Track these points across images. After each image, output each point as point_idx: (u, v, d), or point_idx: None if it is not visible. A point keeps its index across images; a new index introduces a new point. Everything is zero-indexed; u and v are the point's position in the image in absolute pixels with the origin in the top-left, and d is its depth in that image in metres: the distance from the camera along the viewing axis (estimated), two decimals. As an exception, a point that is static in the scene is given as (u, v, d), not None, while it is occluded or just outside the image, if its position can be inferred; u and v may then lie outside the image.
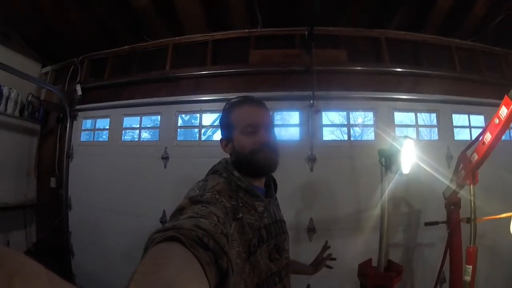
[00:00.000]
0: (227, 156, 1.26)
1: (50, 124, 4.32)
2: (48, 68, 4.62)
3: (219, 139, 1.27)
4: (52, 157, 4.16)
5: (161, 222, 3.35)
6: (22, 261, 0.28)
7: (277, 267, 1.13)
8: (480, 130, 3.33)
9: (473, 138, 3.00)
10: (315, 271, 1.77)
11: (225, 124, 1.23)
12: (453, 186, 2.28)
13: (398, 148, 2.09)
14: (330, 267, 1.82)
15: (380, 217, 2.34)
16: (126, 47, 4.10)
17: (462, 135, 3.57)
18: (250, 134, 1.14)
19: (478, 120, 3.62)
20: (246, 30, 3.68)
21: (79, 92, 4.03)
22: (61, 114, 4.20)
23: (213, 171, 1.19)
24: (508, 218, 1.97)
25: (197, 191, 1.00)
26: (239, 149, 1.16)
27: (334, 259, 1.81)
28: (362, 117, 3.94)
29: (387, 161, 2.24)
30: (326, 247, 1.82)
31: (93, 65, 4.32)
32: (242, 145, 1.15)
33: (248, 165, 1.14)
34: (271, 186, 1.30)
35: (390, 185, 2.25)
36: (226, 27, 3.72)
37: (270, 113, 1.24)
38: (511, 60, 3.89)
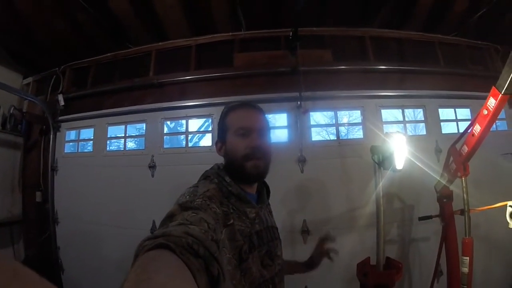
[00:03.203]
0: (215, 161, 1.25)
1: (33, 136, 4.20)
2: (29, 79, 4.50)
3: (215, 142, 1.27)
4: (37, 170, 4.04)
5: (151, 232, 3.23)
6: (17, 268, 0.29)
7: (270, 274, 1.12)
8: (466, 123, 3.40)
9: (461, 131, 3.03)
10: (313, 268, 1.59)
11: (220, 127, 1.24)
12: (444, 180, 2.28)
13: (391, 144, 2.07)
14: (331, 259, 1.59)
15: (376, 215, 2.31)
16: (108, 54, 4.03)
17: (449, 128, 3.60)
18: (242, 137, 1.14)
19: (464, 113, 3.66)
20: (230, 34, 3.66)
21: (62, 103, 3.93)
22: (44, 126, 4.09)
23: (205, 177, 1.18)
24: (500, 208, 1.97)
25: (188, 197, 0.99)
26: (231, 152, 1.16)
27: (336, 252, 1.60)
28: (347, 116, 3.96)
29: (380, 158, 2.22)
30: (328, 238, 1.62)
31: (76, 75, 4.24)
32: (233, 147, 1.15)
33: (238, 171, 1.14)
34: (263, 192, 1.29)
35: (383, 182, 2.24)
36: (210, 31, 3.68)
37: (267, 119, 1.25)
38: (494, 53, 3.96)
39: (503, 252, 3.21)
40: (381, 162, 2.19)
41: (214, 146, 1.25)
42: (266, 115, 1.24)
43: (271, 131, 1.24)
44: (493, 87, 1.71)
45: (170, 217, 0.85)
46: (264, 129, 1.19)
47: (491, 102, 1.73)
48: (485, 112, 1.79)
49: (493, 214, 2.01)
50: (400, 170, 2.09)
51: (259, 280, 1.04)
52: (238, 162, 1.13)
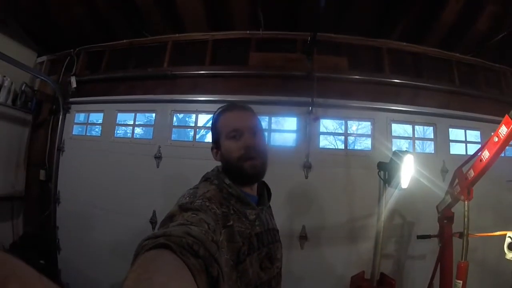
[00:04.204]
0: (219, 163, 1.25)
1: (42, 115, 4.23)
2: (43, 58, 4.52)
3: (210, 148, 1.27)
4: (43, 149, 4.08)
5: (150, 222, 3.28)
6: (16, 265, 0.29)
7: (268, 277, 1.11)
8: (475, 145, 3.38)
9: (469, 153, 3.00)
10: None
11: (213, 132, 1.25)
12: (447, 201, 2.27)
13: (398, 162, 2.07)
14: None
15: (376, 232, 2.31)
16: (124, 41, 4.03)
17: (457, 149, 3.58)
18: (234, 139, 1.15)
19: (474, 135, 3.63)
20: (248, 32, 3.63)
21: (74, 85, 3.95)
22: (54, 106, 4.12)
23: (205, 178, 1.19)
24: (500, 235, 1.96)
25: (187, 198, 1.00)
26: (227, 155, 1.17)
27: None
28: (356, 125, 3.93)
29: (386, 175, 2.22)
30: None
31: (90, 58, 4.24)
32: (228, 150, 1.16)
33: (236, 173, 1.14)
34: (264, 194, 1.30)
35: (389, 200, 2.24)
36: (227, 27, 3.66)
37: (257, 117, 1.25)
38: (510, 76, 3.91)
39: (497, 280, 3.19)
40: (386, 179, 2.19)
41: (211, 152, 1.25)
42: (256, 114, 1.25)
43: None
44: (506, 115, 1.70)
45: (170, 217, 0.86)
46: (255, 128, 1.19)
47: (503, 130, 1.72)
48: (496, 139, 1.77)
49: (491, 240, 2.00)
50: (404, 189, 2.10)
51: (256, 282, 1.04)
52: (234, 164, 1.14)
